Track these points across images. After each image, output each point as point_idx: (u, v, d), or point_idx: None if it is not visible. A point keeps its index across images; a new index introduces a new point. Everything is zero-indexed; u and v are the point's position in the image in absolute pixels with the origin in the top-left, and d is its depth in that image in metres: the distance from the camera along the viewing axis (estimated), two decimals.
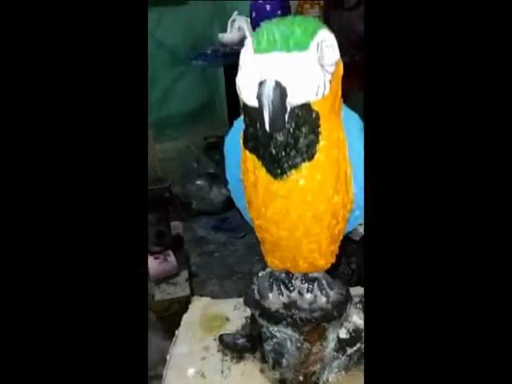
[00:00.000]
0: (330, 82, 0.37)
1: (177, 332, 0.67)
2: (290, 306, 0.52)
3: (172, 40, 2.15)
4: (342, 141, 0.40)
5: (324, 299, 0.52)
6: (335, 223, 0.43)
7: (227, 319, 0.68)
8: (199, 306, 0.72)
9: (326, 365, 0.55)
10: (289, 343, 0.53)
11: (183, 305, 1.27)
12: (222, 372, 0.59)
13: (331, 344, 0.54)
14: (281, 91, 0.34)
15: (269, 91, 0.33)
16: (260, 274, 0.58)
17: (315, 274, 0.53)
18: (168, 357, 0.63)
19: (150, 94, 2.14)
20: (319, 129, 0.38)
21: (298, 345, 0.52)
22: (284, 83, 0.34)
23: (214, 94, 2.39)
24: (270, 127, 0.34)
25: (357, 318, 0.55)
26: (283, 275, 0.53)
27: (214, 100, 2.41)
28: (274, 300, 0.53)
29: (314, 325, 0.50)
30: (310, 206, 0.41)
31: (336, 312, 0.51)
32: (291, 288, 0.53)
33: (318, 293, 0.53)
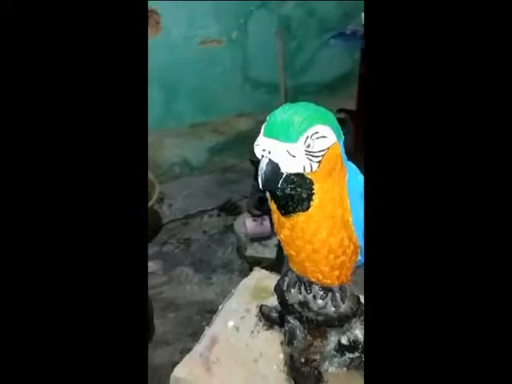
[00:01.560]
0: (320, 162, 0.46)
1: (233, 290, 0.86)
2: (303, 304, 0.64)
3: (324, 8, 2.17)
4: (340, 198, 0.49)
5: (333, 309, 0.63)
6: (334, 257, 0.53)
7: (272, 294, 0.83)
8: (256, 276, 0.89)
9: (326, 358, 0.66)
10: (298, 331, 0.66)
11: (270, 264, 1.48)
12: (252, 332, 0.76)
13: (332, 344, 0.65)
14: (272, 166, 0.46)
15: (263, 165, 0.46)
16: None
17: (332, 286, 0.63)
18: (220, 307, 0.83)
19: (294, 60, 2.25)
20: (313, 190, 0.48)
21: (303, 335, 0.65)
22: (276, 161, 0.45)
23: (355, 67, 2.36)
24: (263, 188, 0.47)
25: (359, 332, 0.64)
26: (305, 278, 0.65)
27: (354, 73, 2.38)
28: (294, 295, 0.66)
29: (315, 325, 0.62)
30: (308, 241, 0.51)
31: (337, 322, 0.62)
32: (309, 291, 0.64)
33: (330, 302, 0.63)
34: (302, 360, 0.67)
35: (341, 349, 0.65)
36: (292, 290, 0.66)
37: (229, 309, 0.82)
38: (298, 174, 0.47)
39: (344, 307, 0.63)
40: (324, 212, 0.49)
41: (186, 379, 0.69)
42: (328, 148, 0.47)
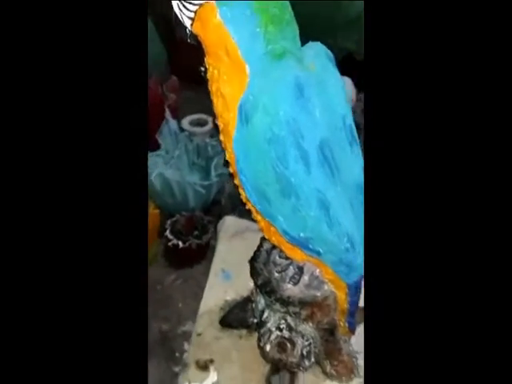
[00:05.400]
0: (193, 19, 0.36)
1: None
2: (269, 252, 0.47)
3: None
4: (224, 103, 0.37)
5: (289, 285, 0.45)
6: None
7: None
8: None
9: None
10: None
11: None
12: None
13: None
14: None
15: None
16: None
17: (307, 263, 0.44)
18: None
19: None
20: (204, 62, 0.38)
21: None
22: None
23: None
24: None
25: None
26: None
27: None
28: None
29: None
30: None
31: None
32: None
33: (291, 269, 0.42)
34: None
35: None
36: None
37: None
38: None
39: (296, 288, 0.43)
40: (216, 102, 0.38)
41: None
42: (201, 4, 0.35)
